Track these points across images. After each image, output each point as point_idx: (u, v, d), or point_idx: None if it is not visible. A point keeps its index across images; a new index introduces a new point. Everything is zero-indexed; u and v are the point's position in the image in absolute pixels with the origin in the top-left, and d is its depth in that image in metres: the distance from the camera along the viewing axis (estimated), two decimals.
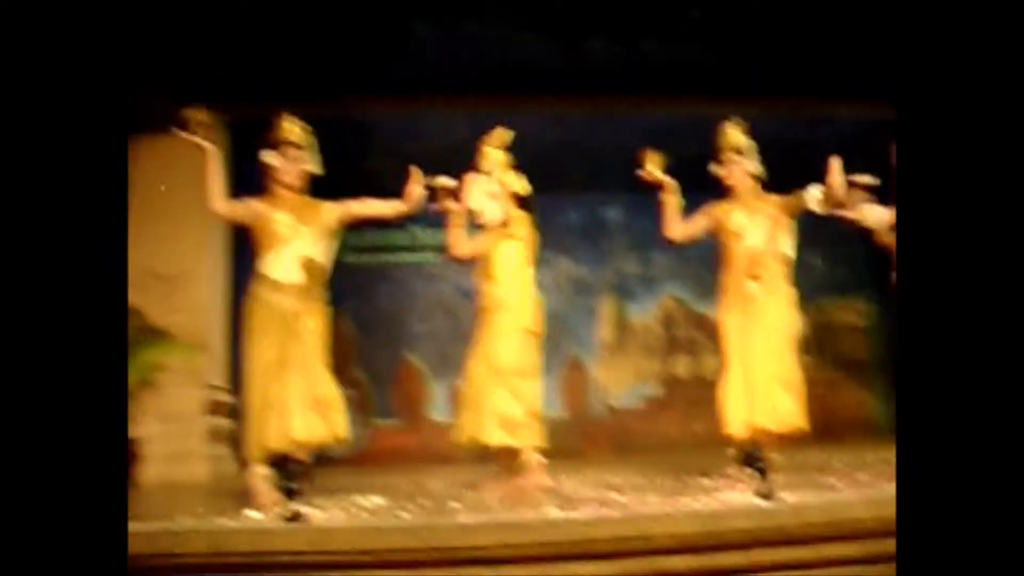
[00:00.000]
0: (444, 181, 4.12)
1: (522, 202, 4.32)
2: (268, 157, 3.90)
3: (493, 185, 4.22)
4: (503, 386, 4.01)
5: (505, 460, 4.09)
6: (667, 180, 4.26)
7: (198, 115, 3.81)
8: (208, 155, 3.83)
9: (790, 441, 4.07)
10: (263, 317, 3.80)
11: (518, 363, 4.07)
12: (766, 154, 4.41)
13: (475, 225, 4.31)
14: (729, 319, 4.16)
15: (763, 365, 3.94)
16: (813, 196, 4.02)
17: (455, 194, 4.14)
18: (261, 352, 3.75)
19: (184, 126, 3.81)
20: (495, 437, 3.97)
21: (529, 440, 4.03)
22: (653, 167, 4.25)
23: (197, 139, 3.80)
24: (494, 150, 4.32)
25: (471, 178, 4.22)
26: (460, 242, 4.30)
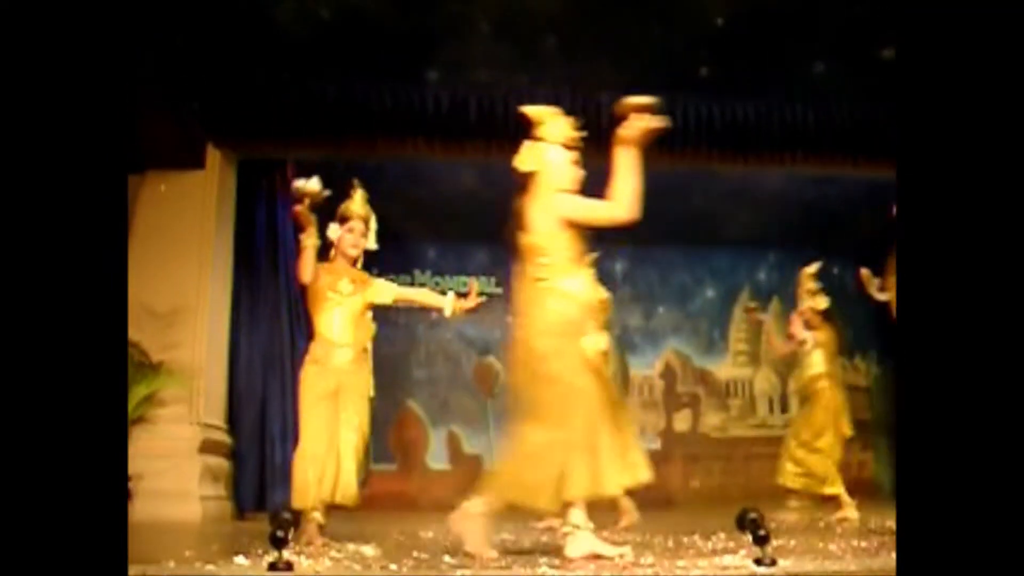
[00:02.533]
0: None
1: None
2: (334, 232, 4.13)
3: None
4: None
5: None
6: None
7: (308, 187, 3.97)
8: (308, 230, 3.99)
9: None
10: (317, 375, 4.00)
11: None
12: (773, 209, 4.42)
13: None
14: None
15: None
16: None
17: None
18: (315, 403, 3.95)
19: (296, 198, 3.99)
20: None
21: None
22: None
23: (304, 211, 3.97)
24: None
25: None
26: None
